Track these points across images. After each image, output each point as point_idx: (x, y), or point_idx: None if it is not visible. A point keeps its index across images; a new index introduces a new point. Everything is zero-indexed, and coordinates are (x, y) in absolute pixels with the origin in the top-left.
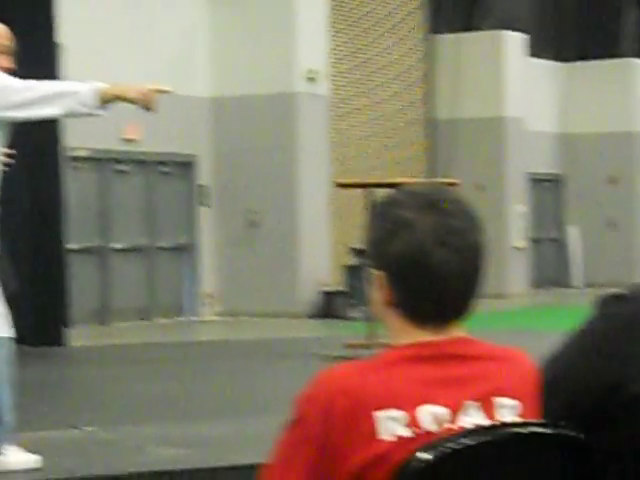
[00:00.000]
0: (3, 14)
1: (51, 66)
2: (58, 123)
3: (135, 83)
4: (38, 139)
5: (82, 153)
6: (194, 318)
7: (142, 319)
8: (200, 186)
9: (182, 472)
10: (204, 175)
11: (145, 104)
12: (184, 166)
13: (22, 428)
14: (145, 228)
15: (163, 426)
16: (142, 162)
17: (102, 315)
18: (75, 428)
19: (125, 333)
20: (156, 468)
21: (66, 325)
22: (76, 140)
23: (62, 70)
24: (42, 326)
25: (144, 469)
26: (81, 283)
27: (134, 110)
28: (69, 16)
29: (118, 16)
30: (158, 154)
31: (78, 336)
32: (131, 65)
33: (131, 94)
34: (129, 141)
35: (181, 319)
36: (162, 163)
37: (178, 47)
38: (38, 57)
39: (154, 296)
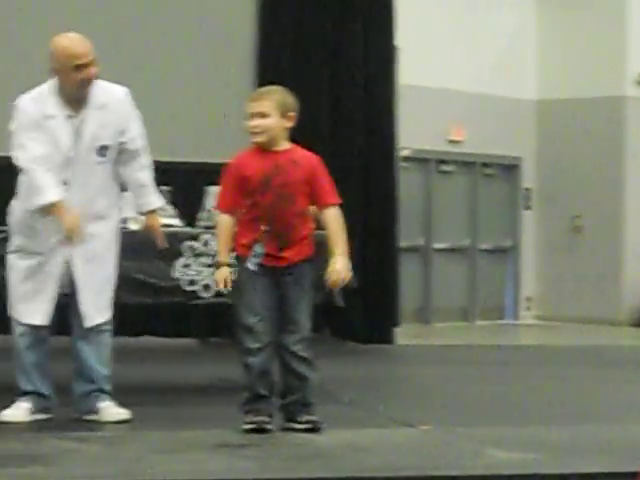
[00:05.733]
0: (344, 17)
1: (388, 67)
2: (394, 124)
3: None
4: (375, 139)
5: (407, 153)
6: (514, 321)
7: (462, 320)
8: (526, 189)
9: (520, 477)
10: (528, 178)
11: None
12: (509, 168)
13: (356, 425)
14: (468, 229)
15: (498, 429)
16: (467, 163)
17: (424, 314)
18: (412, 427)
19: (446, 333)
20: (494, 472)
21: (396, 324)
22: (403, 141)
23: (397, 71)
24: (373, 324)
25: (482, 472)
26: (406, 282)
27: (460, 111)
28: (404, 18)
29: (447, 19)
30: (483, 156)
31: (402, 335)
32: (459, 67)
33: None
34: (454, 142)
35: (501, 322)
36: (486, 165)
37: (506, 48)
38: (377, 58)
39: (475, 298)
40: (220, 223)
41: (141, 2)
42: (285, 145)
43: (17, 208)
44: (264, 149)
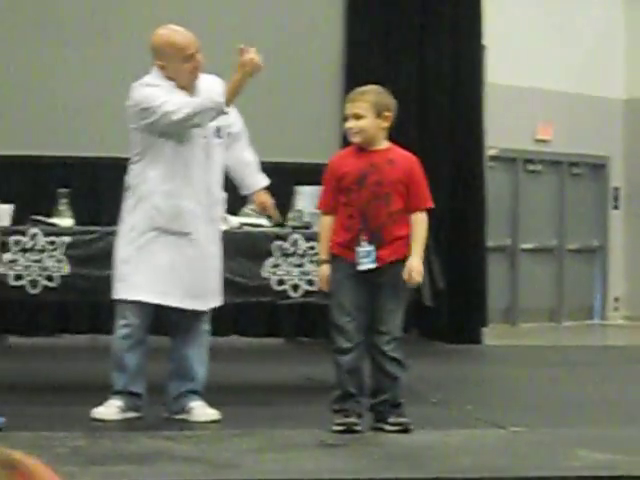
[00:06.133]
0: (431, 17)
1: (476, 66)
2: (482, 123)
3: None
4: (463, 139)
5: (494, 152)
6: (602, 322)
7: (549, 321)
8: (615, 189)
9: (613, 478)
10: (616, 177)
11: (249, 72)
12: (597, 168)
13: (446, 425)
14: (555, 229)
15: (589, 430)
16: (554, 163)
17: (510, 315)
18: (501, 428)
19: (533, 334)
20: (587, 473)
21: (484, 324)
22: (489, 140)
23: (484, 71)
24: (460, 324)
25: (575, 473)
26: (492, 282)
27: (547, 110)
28: (491, 16)
29: (535, 17)
30: (570, 155)
31: (489, 335)
32: (546, 65)
33: (235, 79)
34: (542, 142)
35: (589, 322)
36: (574, 164)
37: (594, 47)
38: (464, 57)
39: (562, 298)
40: (321, 223)
41: (230, 4)
42: (383, 144)
43: (157, 189)
44: (362, 148)
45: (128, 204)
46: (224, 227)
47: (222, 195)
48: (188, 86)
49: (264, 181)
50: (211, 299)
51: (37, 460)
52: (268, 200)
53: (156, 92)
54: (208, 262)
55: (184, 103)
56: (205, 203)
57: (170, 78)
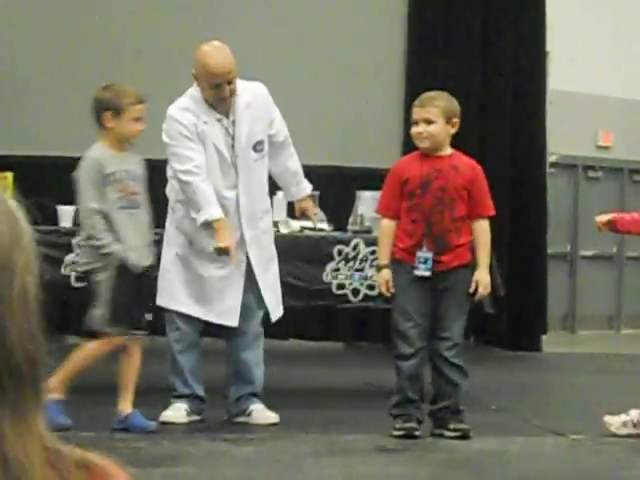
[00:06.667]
0: (494, 23)
1: (538, 72)
2: (544, 129)
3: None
4: (524, 145)
5: (555, 159)
6: None
7: (608, 328)
8: None
9: None
10: None
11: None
12: None
13: (505, 432)
14: (615, 237)
15: None
16: (615, 170)
17: (569, 322)
18: (561, 435)
19: (591, 342)
20: None
21: (544, 331)
22: (550, 146)
23: (547, 78)
24: (520, 331)
25: None
26: (552, 289)
27: (608, 117)
28: (554, 23)
29: (596, 24)
30: (631, 162)
31: (547, 342)
32: (608, 72)
33: (219, 244)
34: (602, 148)
35: None
36: (635, 171)
37: None
38: (527, 63)
39: (622, 306)
40: (381, 227)
41: (292, 9)
42: (447, 150)
43: (192, 221)
44: (427, 154)
45: (169, 214)
46: (285, 231)
47: (267, 206)
48: (216, 106)
49: (307, 189)
50: (272, 311)
51: (110, 461)
52: (309, 207)
53: (173, 138)
54: (261, 278)
55: (186, 182)
56: (245, 226)
57: (201, 92)
